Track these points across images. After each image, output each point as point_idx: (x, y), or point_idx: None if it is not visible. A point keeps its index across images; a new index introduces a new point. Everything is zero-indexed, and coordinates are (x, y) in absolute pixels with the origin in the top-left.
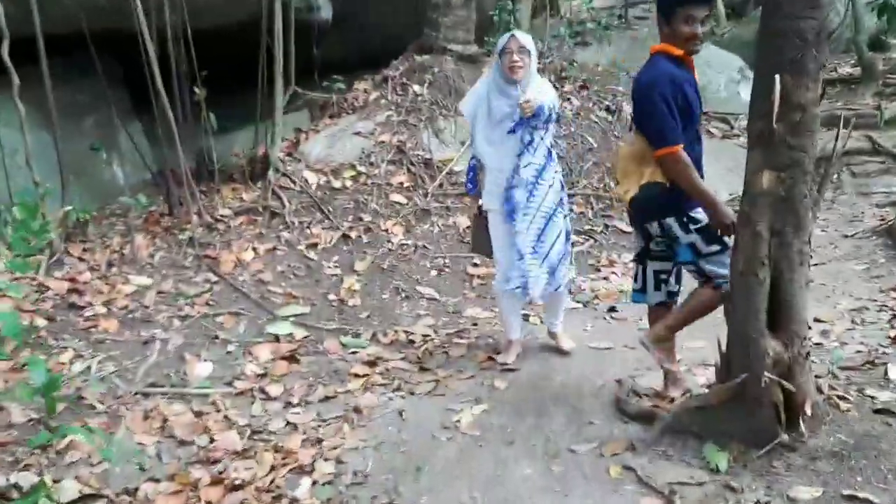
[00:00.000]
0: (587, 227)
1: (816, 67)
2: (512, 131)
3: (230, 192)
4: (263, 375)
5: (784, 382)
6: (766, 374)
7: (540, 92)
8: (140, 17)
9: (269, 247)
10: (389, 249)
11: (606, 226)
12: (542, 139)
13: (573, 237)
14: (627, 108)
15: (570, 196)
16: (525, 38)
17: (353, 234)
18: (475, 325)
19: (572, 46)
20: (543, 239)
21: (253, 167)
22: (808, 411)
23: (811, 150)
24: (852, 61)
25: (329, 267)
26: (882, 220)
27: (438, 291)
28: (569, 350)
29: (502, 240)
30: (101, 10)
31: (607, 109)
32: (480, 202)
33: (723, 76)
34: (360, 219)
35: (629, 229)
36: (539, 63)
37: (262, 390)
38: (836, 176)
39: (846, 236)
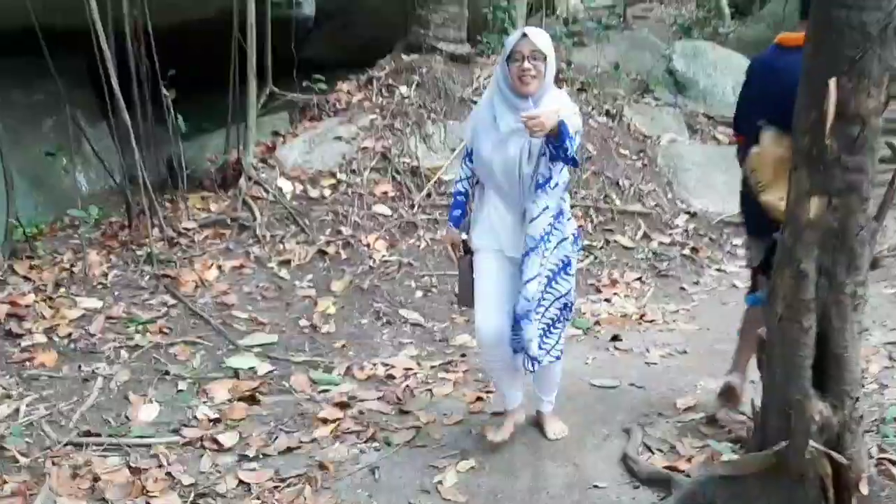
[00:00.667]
0: (586, 243)
1: (881, 69)
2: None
3: (199, 201)
4: (217, 420)
5: (833, 454)
6: (811, 442)
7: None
8: (92, 8)
9: (235, 264)
10: (371, 267)
11: (607, 241)
12: (560, 175)
13: None
14: (629, 113)
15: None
16: (541, 39)
17: (331, 250)
18: (464, 356)
19: (569, 47)
20: (543, 302)
21: (224, 174)
22: (863, 489)
23: (871, 171)
24: None
25: (302, 287)
26: None
27: (424, 315)
28: (555, 439)
29: (493, 287)
30: (56, 4)
31: (607, 114)
32: (465, 236)
33: (729, 78)
34: (339, 232)
35: (632, 244)
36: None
37: (214, 440)
38: None
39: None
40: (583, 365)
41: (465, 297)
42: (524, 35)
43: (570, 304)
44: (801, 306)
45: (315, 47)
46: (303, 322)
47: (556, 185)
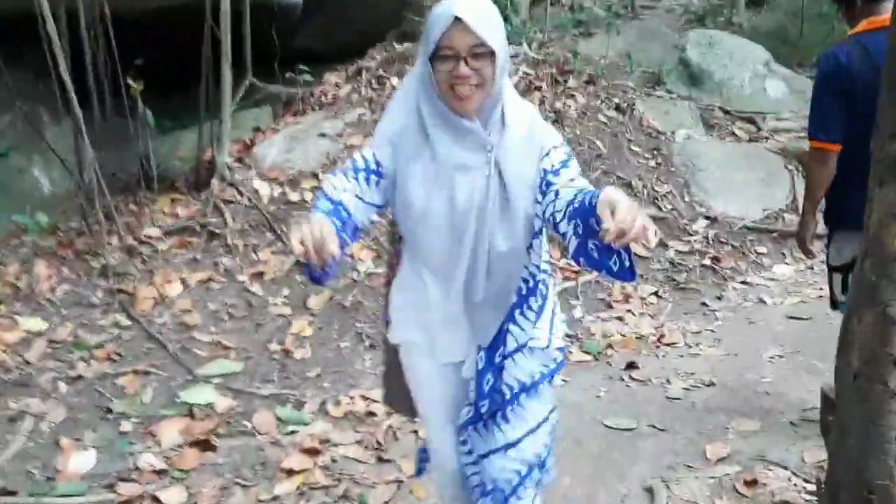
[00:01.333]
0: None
1: None
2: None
3: (168, 205)
4: (163, 472)
5: None
6: None
7: (528, 136)
8: None
9: (202, 277)
10: (354, 280)
11: None
12: (538, 239)
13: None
14: (641, 107)
15: None
16: (484, 23)
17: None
18: None
19: (576, 37)
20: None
21: (198, 175)
22: None
23: None
24: None
25: (275, 304)
26: None
27: None
28: None
29: (436, 394)
30: None
31: (617, 108)
32: (389, 332)
33: (747, 70)
34: None
35: (646, 253)
36: (521, 58)
37: (155, 498)
38: None
39: None
40: (594, 399)
41: (399, 399)
42: (456, 19)
43: (552, 426)
44: (885, 361)
45: (307, 38)
46: (274, 346)
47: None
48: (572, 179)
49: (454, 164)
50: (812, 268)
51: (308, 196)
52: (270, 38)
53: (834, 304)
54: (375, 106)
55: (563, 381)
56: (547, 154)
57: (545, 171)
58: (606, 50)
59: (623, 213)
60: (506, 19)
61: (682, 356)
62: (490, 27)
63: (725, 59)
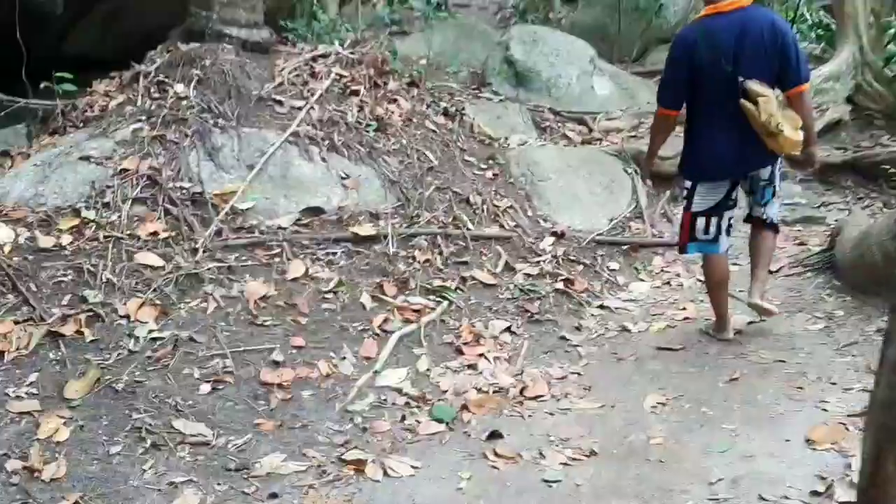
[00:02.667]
0: (437, 284)
1: None
2: None
3: None
4: None
5: None
6: None
7: None
8: None
9: None
10: (131, 352)
11: (463, 278)
12: None
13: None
14: (470, 112)
15: (409, 237)
16: None
17: (69, 330)
18: (275, 496)
19: (392, 35)
20: None
21: None
22: None
23: None
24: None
25: (18, 396)
26: (801, 243)
27: (212, 426)
28: None
29: None
30: None
31: (445, 113)
32: None
33: (574, 68)
34: (84, 300)
35: (493, 280)
36: (332, 58)
37: None
38: None
39: (770, 272)
40: (454, 492)
41: None
42: None
43: None
44: None
45: (80, 41)
46: (11, 463)
47: None
48: None
49: None
50: (669, 283)
51: (66, 240)
52: (37, 45)
53: (682, 250)
54: (155, 118)
55: (413, 466)
56: None
57: None
58: (428, 49)
59: None
60: (314, 17)
61: (551, 414)
62: None
63: (551, 56)
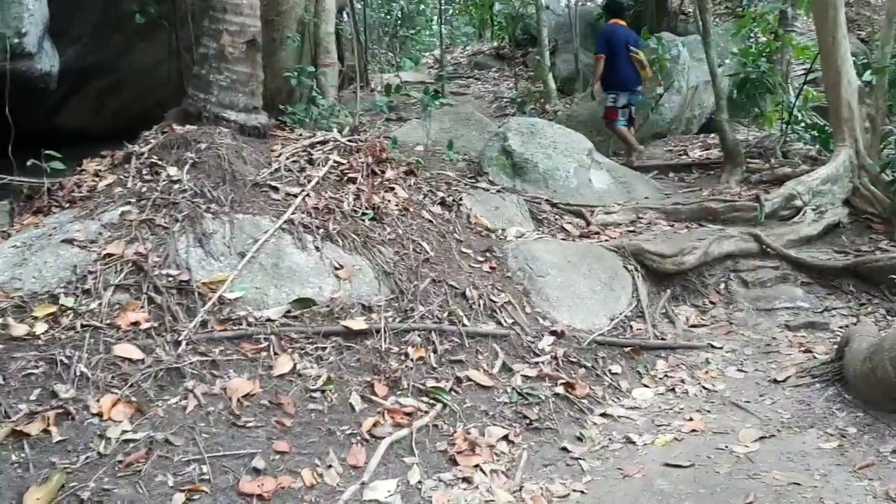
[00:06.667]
0: (430, 384)
1: None
2: None
3: None
4: None
5: None
6: None
7: None
8: None
9: None
10: (100, 454)
11: (458, 379)
12: None
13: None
14: (468, 202)
15: (403, 333)
16: None
17: (35, 429)
18: None
19: (389, 122)
20: None
21: None
22: None
23: None
24: (699, 142)
25: None
26: (806, 350)
27: None
28: None
29: None
30: None
31: (442, 203)
32: None
33: (572, 160)
34: (54, 395)
35: (489, 381)
36: (330, 146)
37: None
38: (723, 286)
39: (775, 381)
40: None
41: None
42: None
43: None
44: None
45: (74, 116)
46: None
47: None
48: None
49: None
50: (673, 390)
51: (41, 328)
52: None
53: (609, 124)
54: (145, 201)
55: None
56: None
57: None
58: (427, 137)
59: None
60: (313, 102)
61: None
62: None
63: (549, 148)
